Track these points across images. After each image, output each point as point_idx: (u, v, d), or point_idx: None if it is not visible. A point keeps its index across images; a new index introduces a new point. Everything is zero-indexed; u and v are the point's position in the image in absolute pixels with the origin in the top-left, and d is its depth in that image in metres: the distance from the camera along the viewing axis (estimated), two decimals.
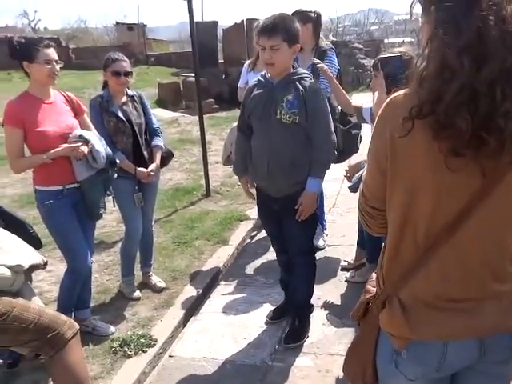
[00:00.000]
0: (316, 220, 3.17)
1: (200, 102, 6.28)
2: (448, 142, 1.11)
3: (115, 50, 18.33)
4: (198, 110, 6.26)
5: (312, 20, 4.00)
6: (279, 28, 2.69)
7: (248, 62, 4.50)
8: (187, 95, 12.92)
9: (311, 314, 3.30)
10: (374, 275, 1.52)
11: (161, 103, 13.44)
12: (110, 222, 5.18)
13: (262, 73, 2.98)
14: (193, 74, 6.57)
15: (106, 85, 3.58)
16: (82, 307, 3.36)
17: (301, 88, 2.79)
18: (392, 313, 1.34)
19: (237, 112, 5.42)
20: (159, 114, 11.84)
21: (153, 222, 4.00)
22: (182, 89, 13.68)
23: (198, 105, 6.29)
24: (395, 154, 1.22)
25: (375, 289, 1.46)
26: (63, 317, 2.33)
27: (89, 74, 15.75)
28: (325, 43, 4.07)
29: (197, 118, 6.38)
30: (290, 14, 3.88)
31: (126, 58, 3.55)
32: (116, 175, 3.29)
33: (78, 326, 2.34)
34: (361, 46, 16.86)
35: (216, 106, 12.62)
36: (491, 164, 1.13)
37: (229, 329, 3.38)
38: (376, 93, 2.84)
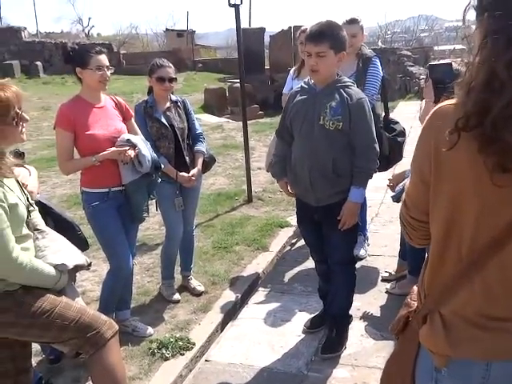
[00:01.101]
0: (357, 230, 3.12)
1: (244, 108, 6.32)
2: (495, 157, 1.07)
3: (164, 55, 18.71)
4: (242, 115, 6.30)
5: (362, 28, 3.97)
6: (326, 35, 2.69)
7: (293, 68, 4.50)
8: (232, 101, 13.04)
9: (350, 325, 3.25)
10: (415, 289, 1.49)
11: (207, 108, 13.62)
12: (153, 224, 5.27)
13: (306, 79, 2.97)
14: (238, 80, 6.61)
15: (150, 90, 3.65)
16: (122, 308, 3.42)
17: (345, 95, 2.77)
18: (433, 329, 1.30)
19: None
20: (205, 119, 12.01)
21: (194, 227, 4.04)
22: (227, 94, 13.81)
23: (242, 110, 6.33)
24: (439, 166, 1.19)
25: (416, 303, 1.42)
26: (103, 317, 2.38)
27: (138, 79, 16.15)
28: (368, 50, 4.02)
29: (241, 123, 6.42)
30: (344, 20, 3.90)
31: (170, 64, 3.61)
32: (160, 180, 3.34)
33: (117, 327, 2.38)
34: (409, 53, 16.56)
35: (261, 112, 12.69)
36: None
37: (266, 336, 3.36)
38: (424, 101, 2.78)
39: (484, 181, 1.11)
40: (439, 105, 1.23)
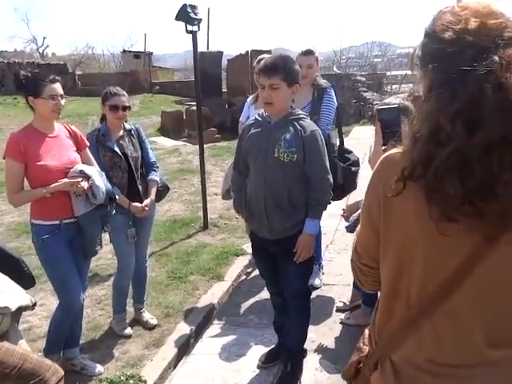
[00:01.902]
0: (313, 262, 3.12)
1: (201, 131, 6.28)
2: (439, 207, 1.08)
3: (121, 77, 18.49)
4: (199, 140, 6.26)
5: (317, 59, 4.04)
6: (279, 68, 2.71)
7: (251, 97, 4.50)
8: (190, 124, 12.98)
9: (304, 359, 3.21)
10: (366, 332, 1.47)
11: (163, 131, 13.53)
12: (106, 254, 5.11)
13: (260, 112, 2.97)
14: (195, 103, 6.59)
15: (103, 118, 3.58)
16: (71, 345, 3.28)
17: (299, 128, 2.78)
18: (383, 375, 1.29)
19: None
20: (161, 143, 11.92)
21: (147, 257, 3.95)
22: (184, 117, 13.76)
23: (198, 134, 6.29)
24: (388, 213, 1.20)
25: (367, 348, 1.41)
26: (48, 362, 2.26)
27: (94, 100, 15.88)
28: (323, 81, 4.08)
29: (198, 147, 6.37)
30: (300, 51, 3.96)
31: (124, 93, 3.55)
32: (114, 211, 3.25)
33: (62, 372, 2.27)
34: (363, 79, 17.00)
35: (218, 136, 12.67)
36: (486, 230, 1.09)
37: (220, 372, 3.28)
38: (373, 143, 2.82)
39: (431, 229, 1.11)
40: (387, 152, 1.24)
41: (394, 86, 20.02)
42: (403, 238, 1.19)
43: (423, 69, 1.15)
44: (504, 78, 1.02)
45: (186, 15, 5.58)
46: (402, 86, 19.80)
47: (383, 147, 1.63)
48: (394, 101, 2.84)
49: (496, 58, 1.02)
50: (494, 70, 1.02)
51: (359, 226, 1.37)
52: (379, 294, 1.40)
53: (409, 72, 22.19)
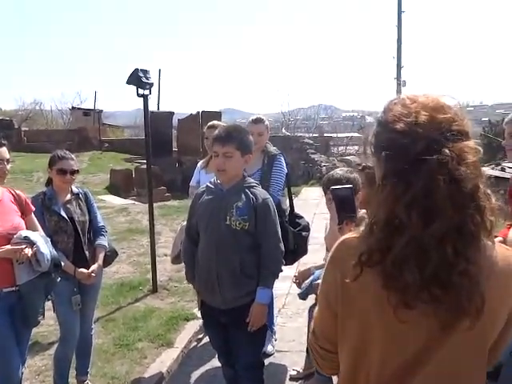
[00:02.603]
0: (265, 332, 3.07)
1: (151, 192, 6.22)
2: (397, 294, 1.09)
3: (69, 134, 18.21)
4: (148, 200, 6.18)
5: (267, 127, 4.15)
6: (233, 137, 2.77)
7: (201, 161, 4.53)
8: (139, 182, 12.87)
9: None
10: None
11: (112, 189, 13.33)
12: (48, 320, 4.81)
13: (212, 179, 2.98)
14: (145, 161, 6.56)
15: (49, 182, 3.49)
16: None
17: (251, 196, 2.81)
18: None
19: (189, 202, 5.38)
20: (110, 201, 11.71)
21: (92, 325, 3.78)
22: (134, 175, 13.65)
23: (148, 195, 6.22)
24: (346, 298, 1.20)
25: None
26: None
27: (40, 157, 15.55)
28: (273, 148, 4.18)
29: (147, 206, 6.29)
30: (250, 119, 4.08)
31: (73, 156, 3.51)
32: (59, 278, 3.12)
33: None
34: (311, 142, 17.53)
35: (168, 194, 12.61)
36: (442, 317, 1.10)
37: None
38: (328, 222, 2.87)
39: (388, 315, 1.12)
40: (343, 237, 1.25)
41: (341, 148, 20.72)
42: (361, 322, 1.19)
43: (377, 155, 1.19)
44: (456, 170, 1.06)
45: (137, 79, 5.65)
46: (348, 147, 20.52)
47: (338, 226, 1.66)
48: (340, 172, 2.93)
49: (447, 150, 1.07)
50: (445, 162, 1.06)
51: (316, 308, 1.36)
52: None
53: (354, 134, 23.11)
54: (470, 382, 1.21)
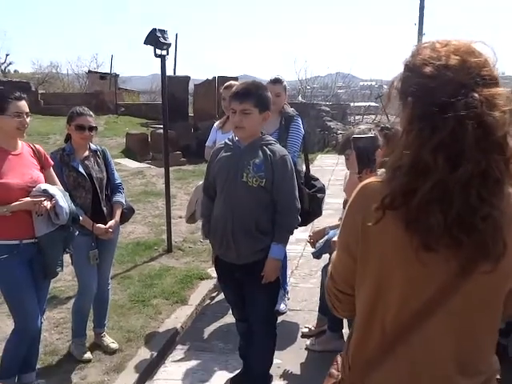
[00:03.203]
0: (279, 288, 3.12)
1: (167, 155, 6.26)
2: (420, 237, 1.10)
3: (86, 97, 18.16)
4: (164, 162, 6.22)
5: (285, 88, 4.11)
6: (251, 94, 2.75)
7: (218, 121, 4.52)
8: (155, 146, 12.89)
9: None
10: (338, 359, 1.47)
11: (128, 153, 13.36)
12: (65, 275, 4.94)
13: (230, 136, 2.98)
14: (161, 126, 6.57)
15: (68, 138, 3.53)
16: (27, 370, 3.16)
17: (269, 153, 2.81)
18: None
19: (204, 166, 5.38)
20: (125, 164, 11.76)
21: (109, 280, 3.86)
22: (149, 140, 13.67)
23: (164, 157, 6.25)
24: (366, 241, 1.21)
25: (340, 374, 1.40)
26: None
27: (56, 119, 15.62)
28: (291, 109, 4.15)
29: (163, 170, 6.33)
30: (269, 80, 4.03)
31: (91, 113, 3.53)
32: (77, 232, 3.18)
33: None
34: (328, 109, 17.33)
35: (183, 159, 12.62)
36: (463, 260, 1.12)
37: None
38: (348, 172, 2.87)
39: (408, 258, 1.13)
40: (365, 181, 1.25)
41: (357, 117, 20.49)
42: (381, 265, 1.20)
43: (403, 101, 1.18)
44: (485, 116, 1.05)
45: (155, 39, 5.61)
46: (365, 116, 20.28)
47: (358, 175, 1.67)
48: (361, 127, 2.92)
49: (476, 95, 1.06)
50: (475, 107, 1.05)
51: (335, 252, 1.38)
52: (344, 320, 1.40)
53: (371, 104, 22.79)
54: (483, 328, 1.23)
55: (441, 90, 1.08)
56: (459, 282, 1.14)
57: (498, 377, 1.35)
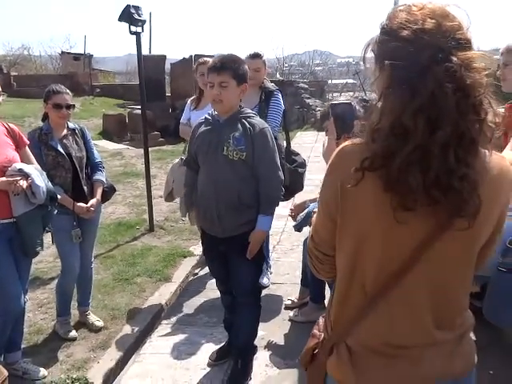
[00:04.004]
0: (263, 260, 3.16)
1: (146, 135, 6.21)
2: (398, 197, 1.13)
3: (60, 79, 17.84)
4: (143, 142, 6.19)
5: (265, 62, 4.10)
6: (228, 66, 2.74)
7: (191, 99, 4.50)
8: (132, 127, 12.77)
9: (254, 355, 3.24)
10: (320, 320, 1.52)
11: (105, 135, 13.22)
12: (47, 257, 4.96)
13: (210, 111, 2.98)
14: (139, 107, 6.51)
15: (45, 117, 3.48)
16: (12, 349, 3.16)
17: (248, 126, 2.81)
18: (339, 359, 1.34)
19: (182, 146, 5.30)
20: (103, 146, 11.64)
21: (92, 259, 3.86)
22: (127, 121, 13.52)
23: (143, 137, 6.21)
24: (345, 203, 1.24)
25: (323, 334, 1.45)
26: None
27: (30, 102, 15.31)
28: (271, 84, 4.15)
29: (141, 150, 6.31)
30: (248, 55, 4.01)
31: (68, 91, 3.48)
32: (56, 211, 3.16)
33: (6, 373, 2.20)
34: (306, 86, 17.31)
35: (162, 139, 12.55)
36: (440, 218, 1.16)
37: (169, 371, 3.26)
38: (327, 138, 2.90)
39: (387, 217, 1.16)
40: (343, 144, 1.27)
41: (335, 94, 20.54)
42: (360, 225, 1.24)
43: (379, 64, 1.19)
44: (465, 79, 1.08)
45: (129, 16, 5.51)
46: (343, 93, 20.34)
47: (336, 141, 1.69)
48: (343, 100, 2.95)
49: (455, 59, 1.09)
50: (454, 70, 1.08)
51: (315, 215, 1.41)
52: (326, 291, 1.44)
53: (349, 81, 22.86)
54: (457, 282, 1.28)
55: (418, 53, 1.09)
56: (436, 238, 1.18)
57: (474, 338, 1.42)
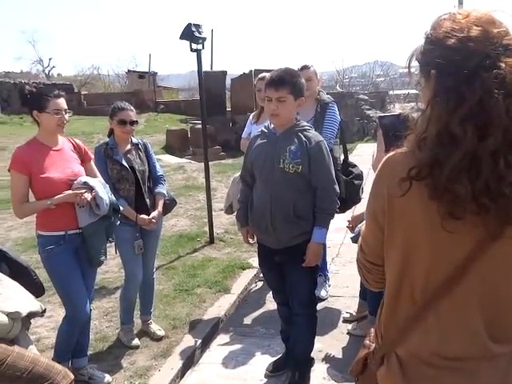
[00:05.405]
0: (317, 272, 3.15)
1: (206, 149, 6.37)
2: (446, 205, 1.12)
3: (126, 96, 18.56)
4: (204, 156, 6.34)
5: (315, 72, 4.11)
6: (286, 81, 2.78)
7: (253, 114, 4.58)
8: (194, 142, 13.10)
9: (312, 368, 3.22)
10: (372, 330, 1.51)
11: (168, 149, 13.64)
12: (112, 267, 5.16)
13: (266, 124, 3.03)
14: (200, 121, 6.68)
15: (111, 132, 3.65)
16: (79, 355, 3.31)
17: (304, 139, 2.84)
18: (389, 369, 1.33)
19: (243, 160, 5.40)
20: (166, 160, 12.00)
21: (154, 269, 3.99)
22: (189, 135, 13.88)
23: (204, 151, 6.37)
24: (392, 212, 1.24)
25: (374, 344, 1.44)
26: (58, 366, 2.30)
27: (99, 119, 16.08)
28: (326, 96, 4.16)
29: (203, 164, 6.46)
30: (298, 67, 4.03)
31: (132, 107, 3.64)
32: (118, 222, 3.30)
33: (72, 376, 2.30)
34: (366, 97, 17.15)
35: (223, 153, 12.79)
36: (491, 225, 1.14)
37: (227, 382, 3.30)
38: (376, 149, 2.88)
39: (435, 226, 1.15)
40: (390, 154, 1.28)
41: (397, 105, 20.16)
42: (408, 235, 1.23)
43: (425, 74, 1.19)
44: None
45: (190, 34, 5.69)
46: (405, 104, 19.93)
47: (385, 153, 1.68)
48: (397, 110, 2.92)
49: (503, 65, 1.07)
50: (503, 76, 1.07)
51: (364, 225, 1.42)
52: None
53: (411, 91, 22.37)
54: (510, 293, 1.24)
55: (465, 61, 1.09)
56: (487, 248, 1.16)
57: None
